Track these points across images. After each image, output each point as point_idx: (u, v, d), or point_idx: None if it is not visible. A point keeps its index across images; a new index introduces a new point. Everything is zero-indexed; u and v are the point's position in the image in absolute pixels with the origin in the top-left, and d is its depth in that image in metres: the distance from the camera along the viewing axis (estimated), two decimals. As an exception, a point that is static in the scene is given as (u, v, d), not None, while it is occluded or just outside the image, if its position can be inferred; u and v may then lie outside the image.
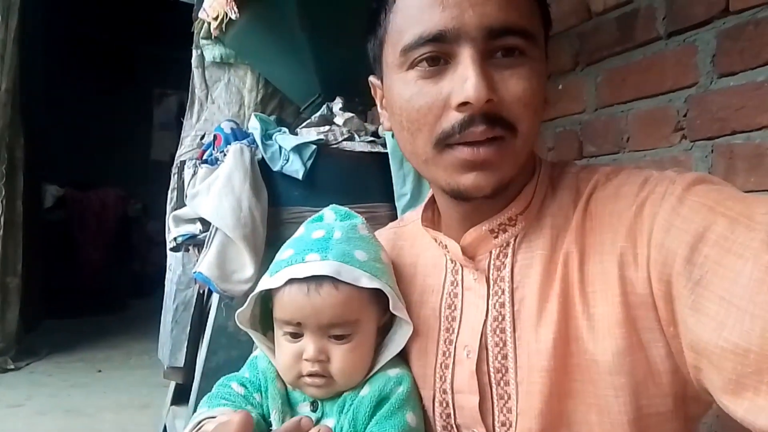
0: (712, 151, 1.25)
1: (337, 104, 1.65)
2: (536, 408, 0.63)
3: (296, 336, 0.71)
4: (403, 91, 0.65)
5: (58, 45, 4.90)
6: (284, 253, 0.74)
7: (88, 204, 5.32)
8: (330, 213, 0.79)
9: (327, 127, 1.55)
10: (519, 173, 0.67)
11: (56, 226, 4.95)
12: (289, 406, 0.75)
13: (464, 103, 0.60)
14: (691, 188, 0.58)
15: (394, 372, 0.73)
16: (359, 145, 1.54)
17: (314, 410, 0.73)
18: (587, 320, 0.61)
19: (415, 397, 0.73)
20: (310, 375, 0.70)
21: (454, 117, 0.61)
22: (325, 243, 0.72)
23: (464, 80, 0.59)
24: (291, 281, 0.70)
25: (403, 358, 0.76)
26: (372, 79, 0.77)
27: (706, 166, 1.25)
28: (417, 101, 0.63)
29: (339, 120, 1.59)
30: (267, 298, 0.76)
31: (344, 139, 1.53)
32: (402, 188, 1.50)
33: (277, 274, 0.71)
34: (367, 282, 0.70)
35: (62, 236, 5.06)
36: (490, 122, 0.60)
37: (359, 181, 1.54)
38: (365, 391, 0.71)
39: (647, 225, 0.59)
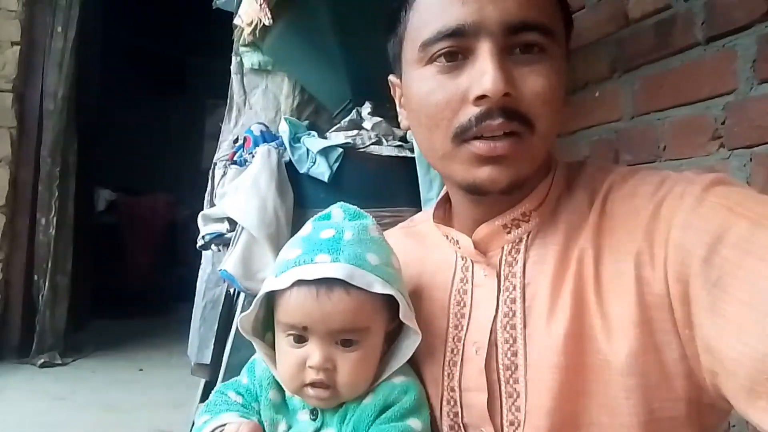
0: (750, 159, 1.20)
1: (366, 109, 1.67)
2: (546, 405, 0.61)
3: (300, 340, 0.68)
4: (421, 86, 0.65)
5: (114, 55, 5.11)
6: (291, 252, 0.70)
7: (138, 209, 5.49)
8: (338, 211, 0.75)
9: (355, 131, 1.56)
10: (535, 172, 0.66)
11: (107, 229, 5.12)
12: (284, 414, 0.72)
13: (482, 97, 0.60)
14: (710, 189, 0.56)
15: (399, 380, 0.70)
16: (386, 149, 1.54)
17: (314, 419, 0.70)
18: (602, 319, 0.60)
19: (422, 407, 0.70)
20: (314, 385, 0.67)
21: (471, 111, 0.61)
22: (335, 243, 0.68)
23: (482, 74, 0.59)
24: (299, 283, 0.65)
25: (411, 359, 0.73)
26: (391, 77, 0.78)
27: (745, 175, 1.21)
28: (435, 96, 0.64)
29: (367, 124, 1.60)
30: (269, 300, 0.72)
31: (372, 143, 1.54)
32: (428, 193, 1.49)
33: (284, 275, 0.67)
34: (380, 288, 0.66)
35: (113, 239, 5.23)
36: (508, 116, 0.60)
37: (385, 185, 1.54)
38: (368, 400, 0.69)
39: (665, 225, 0.58)
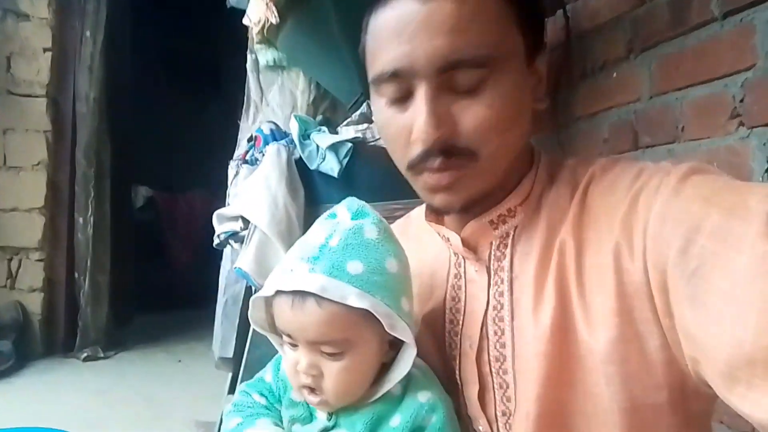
0: (771, 138, 1.15)
1: (376, 102, 1.66)
2: (534, 392, 0.63)
3: (294, 345, 0.68)
4: (378, 115, 0.70)
5: (146, 57, 5.20)
6: (287, 256, 0.70)
7: (176, 206, 5.61)
8: (343, 209, 0.72)
9: (365, 125, 1.56)
10: (495, 187, 0.69)
11: (146, 226, 5.24)
12: (302, 412, 0.73)
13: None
14: (686, 179, 0.58)
15: (425, 397, 0.68)
16: (396, 142, 1.53)
17: (329, 419, 0.71)
18: (583, 310, 0.62)
19: (452, 422, 0.68)
20: (305, 387, 0.68)
21: (416, 148, 0.64)
22: (318, 251, 0.67)
23: (416, 118, 0.63)
24: (278, 293, 0.66)
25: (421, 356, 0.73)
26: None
27: (765, 154, 1.16)
28: (388, 129, 0.68)
29: (377, 117, 1.59)
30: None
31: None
32: (440, 184, 1.48)
33: (267, 282, 0.68)
34: (355, 300, 0.63)
35: (152, 236, 5.35)
36: (446, 154, 0.63)
37: (396, 178, 1.50)
38: (396, 421, 0.67)
39: (642, 217, 0.59)
